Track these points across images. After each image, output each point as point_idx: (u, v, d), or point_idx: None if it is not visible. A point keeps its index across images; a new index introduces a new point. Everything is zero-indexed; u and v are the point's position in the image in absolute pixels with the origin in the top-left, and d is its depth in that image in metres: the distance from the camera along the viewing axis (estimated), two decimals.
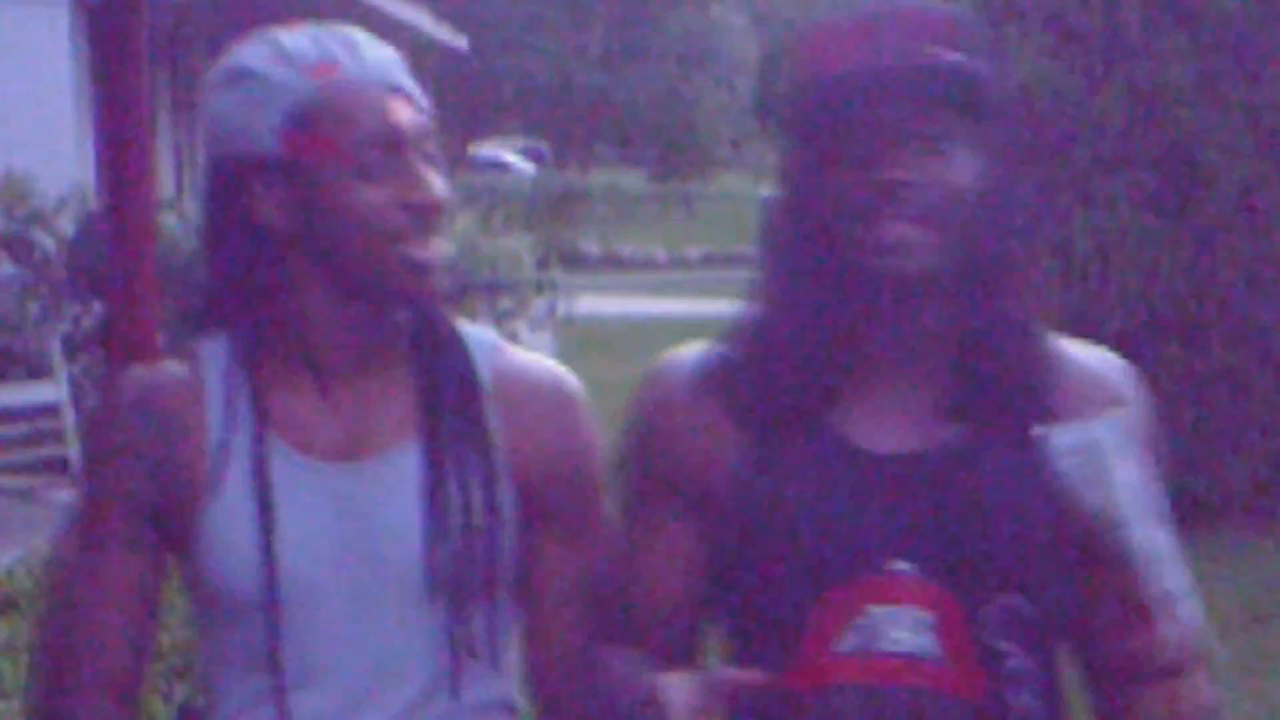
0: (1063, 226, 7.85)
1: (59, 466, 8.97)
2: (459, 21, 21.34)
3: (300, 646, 1.83)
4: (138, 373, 1.91)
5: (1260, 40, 7.94)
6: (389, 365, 1.87)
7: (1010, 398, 1.75)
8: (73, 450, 8.90)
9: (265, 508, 1.81)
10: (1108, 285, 7.84)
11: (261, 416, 1.84)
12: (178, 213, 9.81)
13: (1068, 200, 7.89)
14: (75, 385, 9.06)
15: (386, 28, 16.63)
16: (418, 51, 19.63)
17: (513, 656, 1.91)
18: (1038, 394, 1.75)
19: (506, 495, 1.85)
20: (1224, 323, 7.88)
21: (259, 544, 1.81)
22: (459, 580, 1.82)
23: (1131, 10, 7.93)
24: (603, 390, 2.28)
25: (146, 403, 1.86)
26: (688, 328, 2.07)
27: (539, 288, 11.65)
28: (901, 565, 1.71)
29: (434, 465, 1.83)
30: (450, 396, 1.85)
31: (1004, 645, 1.72)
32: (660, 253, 27.27)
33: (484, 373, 1.88)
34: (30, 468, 9.12)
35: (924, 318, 1.74)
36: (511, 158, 40.10)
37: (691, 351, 1.82)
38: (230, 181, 1.83)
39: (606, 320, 16.60)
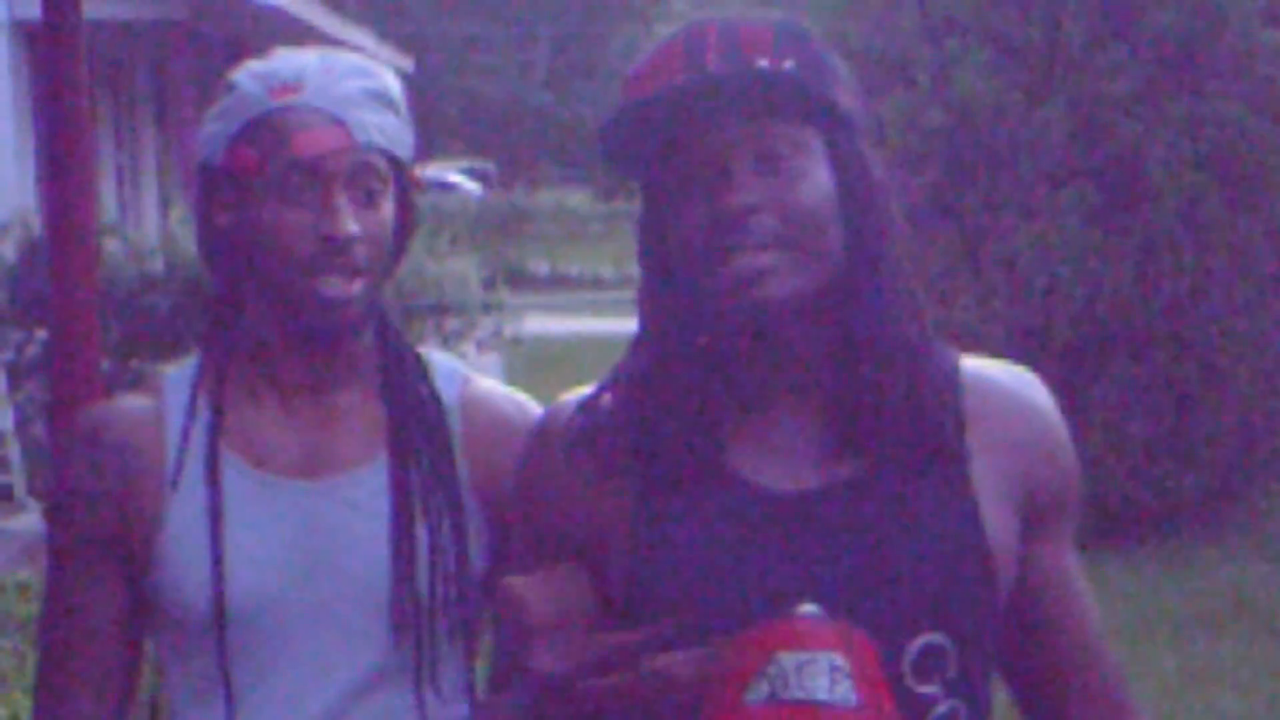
0: (1007, 241, 7.88)
1: (4, 494, 8.89)
2: (403, 42, 21.31)
3: (258, 666, 1.82)
4: (91, 410, 1.93)
5: (1200, 53, 8.01)
6: (353, 385, 1.88)
7: (905, 422, 1.64)
8: (18, 479, 8.82)
9: (216, 523, 1.81)
10: (1054, 299, 7.87)
11: (217, 434, 1.85)
12: (121, 237, 9.74)
13: (1012, 215, 7.92)
14: (20, 413, 8.98)
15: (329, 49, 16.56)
16: None
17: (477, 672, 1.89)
18: (934, 416, 1.65)
19: (472, 520, 1.87)
20: (1169, 335, 7.93)
21: (211, 559, 1.81)
22: (425, 606, 1.82)
23: (1073, 24, 7.98)
24: None
25: (98, 438, 1.86)
26: None
27: (486, 308, 11.61)
28: (809, 609, 1.60)
29: (401, 487, 1.84)
30: (418, 421, 1.87)
31: (926, 689, 1.62)
32: (607, 271, 27.25)
33: (451, 400, 1.89)
34: None
35: (799, 344, 1.64)
36: (457, 178, 40.05)
37: (570, 402, 1.73)
38: (198, 186, 1.89)
39: (554, 340, 16.58)
